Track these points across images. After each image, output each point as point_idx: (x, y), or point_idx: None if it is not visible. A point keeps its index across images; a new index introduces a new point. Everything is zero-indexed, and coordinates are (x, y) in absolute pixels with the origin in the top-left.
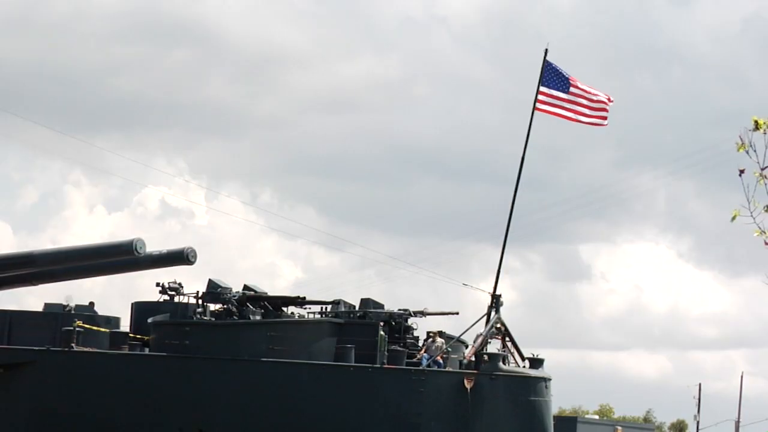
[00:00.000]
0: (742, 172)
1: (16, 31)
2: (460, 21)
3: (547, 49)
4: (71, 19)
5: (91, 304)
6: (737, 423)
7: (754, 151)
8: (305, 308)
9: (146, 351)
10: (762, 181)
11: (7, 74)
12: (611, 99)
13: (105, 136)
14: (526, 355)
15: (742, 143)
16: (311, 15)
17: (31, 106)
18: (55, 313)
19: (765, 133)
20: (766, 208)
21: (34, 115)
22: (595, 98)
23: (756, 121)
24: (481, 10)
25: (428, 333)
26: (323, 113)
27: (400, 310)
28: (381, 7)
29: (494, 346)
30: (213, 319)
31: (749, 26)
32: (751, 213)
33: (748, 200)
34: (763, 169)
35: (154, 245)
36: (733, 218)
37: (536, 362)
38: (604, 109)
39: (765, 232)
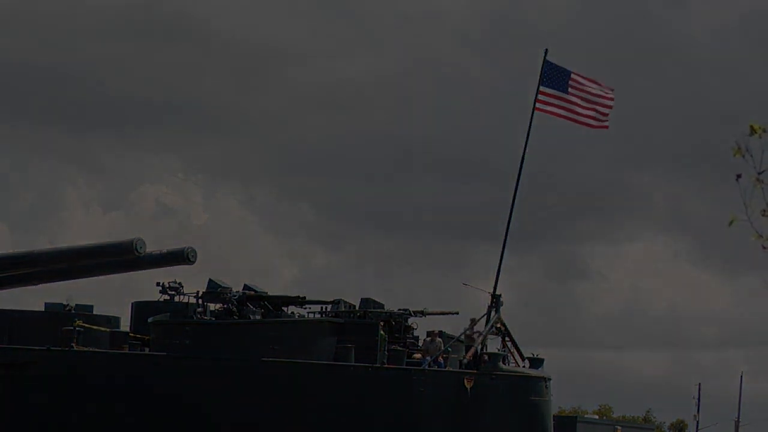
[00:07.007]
0: (738, 176)
1: (10, 28)
2: (459, 19)
3: (547, 50)
4: (64, 16)
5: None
6: (737, 423)
7: (751, 155)
8: (305, 308)
9: (146, 351)
10: (759, 186)
11: (2, 73)
12: (610, 95)
13: (100, 135)
14: (526, 354)
15: (738, 148)
16: (308, 12)
17: (26, 105)
18: (55, 313)
19: (761, 138)
20: (762, 213)
21: (30, 114)
22: (596, 95)
23: (752, 126)
24: (480, 9)
25: (428, 333)
26: (321, 111)
27: (400, 309)
28: (379, 5)
29: (494, 346)
30: (213, 318)
31: (748, 24)
32: (749, 218)
33: (745, 205)
34: (759, 174)
35: (151, 244)
36: (731, 223)
37: (536, 362)
38: (606, 105)
39: (762, 236)
